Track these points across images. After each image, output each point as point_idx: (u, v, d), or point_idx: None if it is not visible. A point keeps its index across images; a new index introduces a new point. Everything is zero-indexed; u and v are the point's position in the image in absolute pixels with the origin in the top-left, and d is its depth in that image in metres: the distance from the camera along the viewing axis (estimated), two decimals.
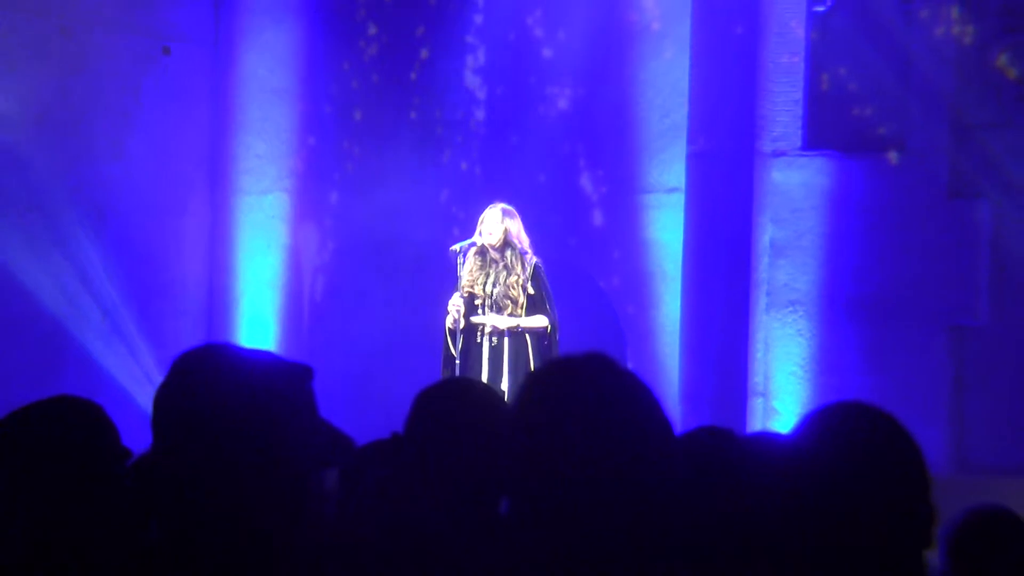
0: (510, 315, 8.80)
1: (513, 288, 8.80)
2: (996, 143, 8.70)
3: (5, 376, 9.62)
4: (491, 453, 2.91)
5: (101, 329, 10.36)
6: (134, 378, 10.31)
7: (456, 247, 8.96)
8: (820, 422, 2.61)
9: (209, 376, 2.12)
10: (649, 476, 1.70)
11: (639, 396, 1.71)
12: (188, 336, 10.59)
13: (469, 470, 2.85)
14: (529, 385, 1.74)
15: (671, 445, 1.74)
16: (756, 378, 9.09)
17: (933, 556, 2.68)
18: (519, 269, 8.82)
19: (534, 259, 8.91)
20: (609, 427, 1.66)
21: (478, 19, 10.60)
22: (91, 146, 10.23)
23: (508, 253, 8.84)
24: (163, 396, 2.13)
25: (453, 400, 3.08)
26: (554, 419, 1.66)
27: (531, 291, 8.83)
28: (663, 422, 1.74)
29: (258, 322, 10.86)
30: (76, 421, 2.78)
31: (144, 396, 9.95)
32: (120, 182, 10.42)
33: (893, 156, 8.85)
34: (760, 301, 9.10)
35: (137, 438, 3.41)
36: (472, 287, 8.85)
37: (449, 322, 8.86)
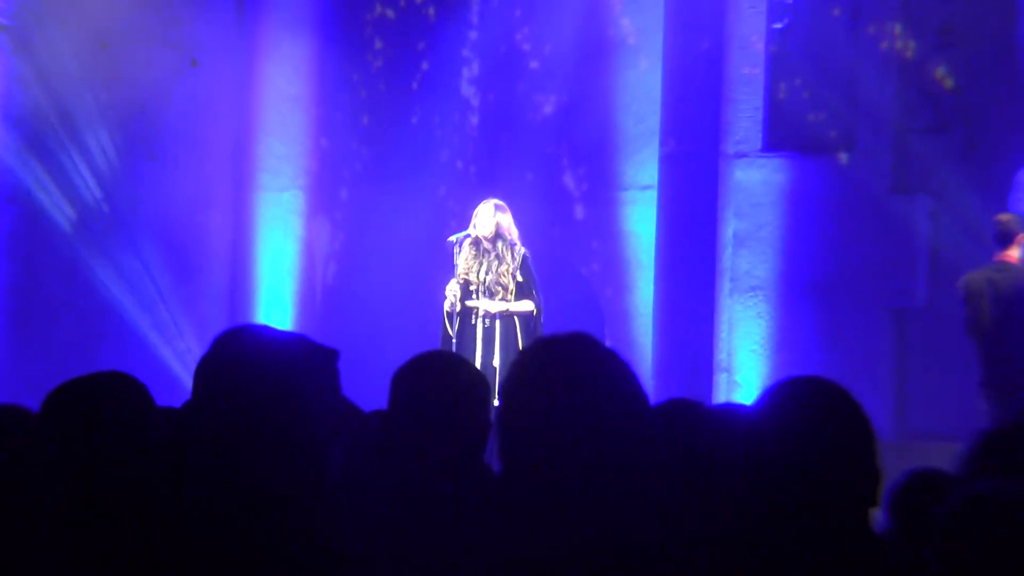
0: (501, 300, 8.80)
1: (504, 276, 8.79)
2: (933, 146, 8.71)
3: (52, 350, 9.63)
4: (466, 418, 2.91)
5: (136, 309, 10.37)
6: (165, 352, 10.31)
7: (453, 238, 8.95)
8: (779, 394, 2.61)
9: (248, 351, 2.12)
10: (627, 441, 1.70)
11: (618, 371, 1.71)
12: (214, 316, 10.59)
13: (445, 433, 2.85)
14: (519, 362, 1.74)
15: (647, 414, 1.74)
16: (721, 355, 9.10)
17: (878, 512, 2.69)
18: (509, 259, 8.82)
19: (522, 249, 8.90)
20: (591, 398, 1.66)
21: (472, 35, 10.59)
22: (128, 147, 10.22)
23: (499, 244, 8.83)
24: (205, 366, 2.13)
25: (424, 373, 3.06)
26: (542, 392, 1.66)
27: (519, 278, 8.82)
28: (639, 394, 1.74)
29: (276, 304, 10.85)
30: (118, 393, 2.77)
31: (175, 367, 9.96)
32: (153, 179, 10.41)
33: (843, 156, 8.86)
34: (724, 286, 9.10)
35: (168, 402, 3.42)
36: (467, 274, 8.84)
37: (447, 306, 8.86)
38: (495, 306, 8.75)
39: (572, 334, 1.74)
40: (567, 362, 1.72)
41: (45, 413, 2.75)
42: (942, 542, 2.30)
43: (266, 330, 2.19)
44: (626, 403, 1.73)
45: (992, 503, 2.31)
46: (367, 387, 4.22)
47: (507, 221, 8.90)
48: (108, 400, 2.73)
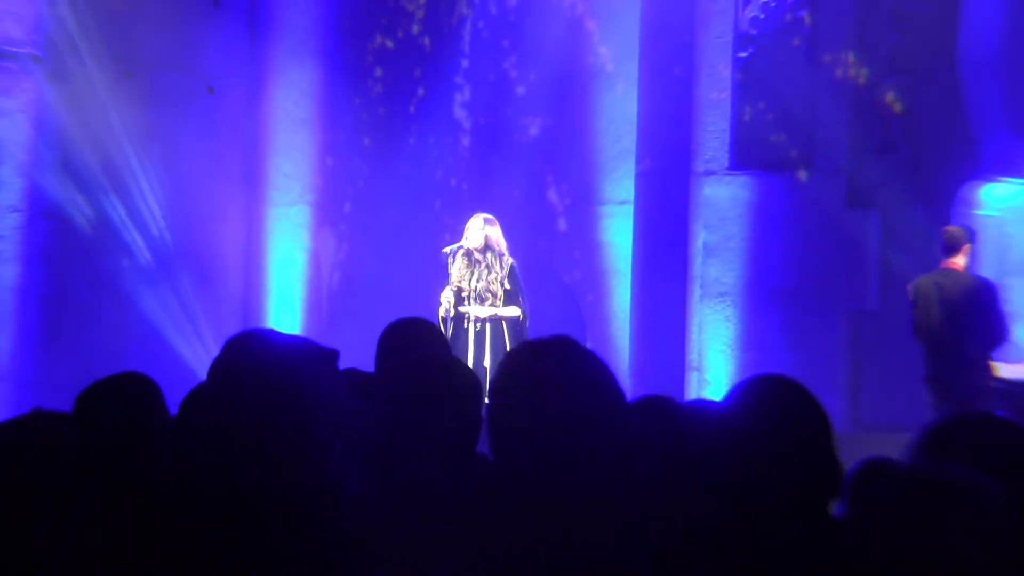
0: (490, 305, 8.81)
1: (493, 284, 8.80)
2: (883, 164, 8.73)
3: (81, 353, 9.62)
4: (459, 413, 2.89)
5: (157, 313, 10.38)
6: (186, 352, 10.31)
7: (447, 249, 8.97)
8: (745, 391, 2.62)
9: (256, 353, 2.12)
10: (606, 434, 1.70)
11: (596, 370, 1.70)
12: (228, 320, 10.59)
13: (440, 427, 2.83)
14: (507, 362, 1.74)
15: (623, 409, 1.73)
16: (692, 355, 9.10)
17: (837, 499, 2.69)
18: (498, 268, 8.83)
19: (510, 260, 8.91)
20: (572, 395, 1.66)
21: (464, 63, 10.60)
22: (150, 165, 10.22)
23: (489, 255, 8.85)
24: (218, 366, 2.13)
25: (421, 373, 3.03)
26: (527, 389, 1.66)
27: (507, 286, 8.83)
28: (616, 391, 1.74)
29: (286, 309, 10.85)
30: (139, 391, 2.77)
31: (192, 364, 9.95)
32: (173, 194, 10.41)
33: (802, 174, 8.86)
34: (695, 292, 9.10)
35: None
36: (460, 282, 8.86)
37: (441, 311, 8.87)
38: (485, 311, 8.77)
39: (555, 337, 1.74)
40: (550, 362, 1.71)
41: (77, 410, 2.75)
42: (885, 520, 2.31)
43: (273, 334, 2.20)
44: (604, 399, 1.73)
45: (927, 483, 2.32)
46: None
47: (496, 233, 8.91)
48: (131, 397, 2.73)
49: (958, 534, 2.22)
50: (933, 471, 2.35)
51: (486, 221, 8.91)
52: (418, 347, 3.48)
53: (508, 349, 8.57)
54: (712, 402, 2.71)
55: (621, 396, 1.82)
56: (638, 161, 9.62)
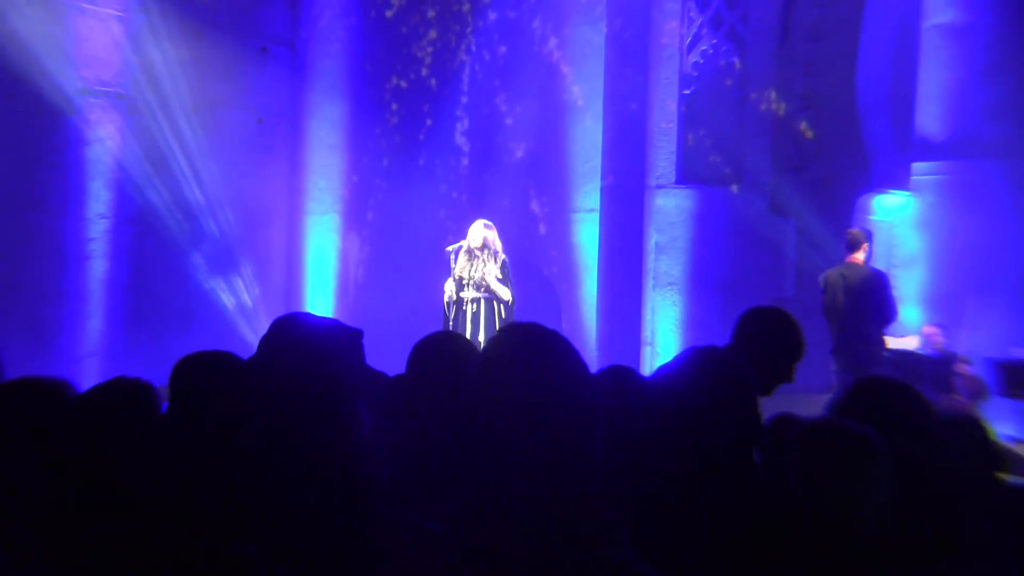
0: (485, 291, 8.81)
1: (488, 276, 8.79)
2: (798, 180, 8.74)
3: (157, 333, 9.62)
4: (465, 385, 2.87)
5: (218, 298, 10.39)
6: (240, 329, 10.32)
7: (450, 248, 8.95)
8: (685, 359, 2.62)
9: (296, 330, 2.11)
10: (575, 400, 1.69)
11: (564, 348, 1.70)
12: (274, 304, 10.60)
13: (450, 397, 2.82)
14: (494, 342, 1.74)
15: (589, 379, 1.73)
16: (646, 333, 9.12)
17: (756, 447, 2.70)
18: (492, 263, 8.82)
19: (502, 257, 8.90)
20: (546, 368, 1.66)
21: (464, 99, 10.58)
22: (211, 182, 10.24)
23: (485, 252, 8.83)
24: (266, 341, 2.13)
25: (435, 348, 3.03)
26: (510, 363, 1.66)
27: (499, 276, 8.83)
28: (582, 364, 1.74)
29: (320, 297, 10.84)
30: (222, 362, 2.73)
31: (247, 339, 9.95)
32: (229, 205, 10.42)
33: (734, 187, 8.88)
34: (649, 283, 9.12)
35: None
36: (461, 273, 8.85)
37: (445, 297, 8.86)
38: (488, 277, 8.72)
39: (529, 323, 1.73)
40: (528, 342, 1.71)
41: (174, 378, 2.71)
42: (792, 462, 2.33)
43: (310, 316, 2.19)
44: (573, 371, 1.73)
45: (826, 430, 2.35)
46: (388, 358, 4.22)
47: (492, 236, 8.91)
48: (215, 367, 2.71)
49: (849, 473, 2.24)
50: (828, 423, 2.36)
51: (485, 225, 8.91)
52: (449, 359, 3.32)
53: (496, 328, 8.59)
54: (662, 370, 2.70)
55: (585, 368, 1.82)
56: (603, 177, 9.63)
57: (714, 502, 2.34)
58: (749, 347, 3.52)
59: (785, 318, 3.62)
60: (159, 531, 1.99)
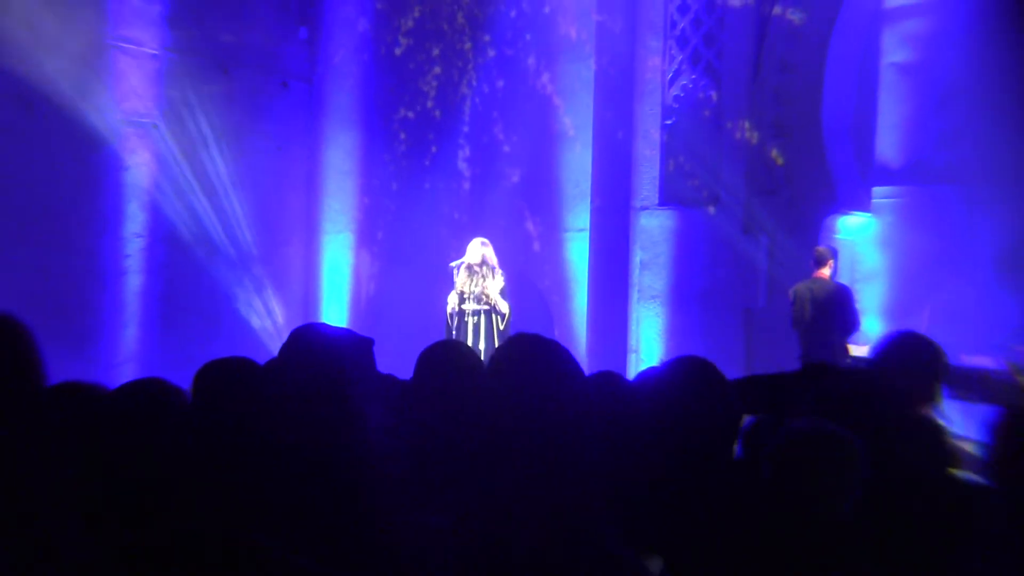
0: (484, 304, 8.79)
1: (490, 289, 8.78)
2: (769, 202, 8.74)
3: (184, 341, 9.59)
4: (469, 389, 2.84)
5: (242, 310, 10.35)
6: (262, 338, 10.28)
7: (453, 264, 8.95)
8: (669, 367, 2.60)
9: (313, 339, 2.10)
10: (571, 402, 1.68)
11: (562, 355, 1.69)
12: (293, 315, 10.59)
13: (455, 400, 2.79)
14: (503, 350, 1.72)
15: (582, 383, 1.72)
16: (632, 342, 9.11)
17: (735, 446, 2.67)
18: (491, 278, 8.81)
19: (500, 272, 8.90)
20: (545, 374, 1.65)
21: (465, 129, 10.58)
22: (236, 205, 10.23)
23: (484, 268, 8.83)
24: (283, 350, 2.11)
25: (440, 355, 3.00)
26: (512, 372, 1.65)
27: (497, 290, 8.82)
28: (577, 369, 1.72)
29: (335, 308, 10.82)
30: (243, 369, 2.69)
31: (269, 346, 9.92)
32: (252, 225, 10.42)
33: (711, 209, 8.88)
34: (634, 296, 9.11)
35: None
36: (462, 288, 8.84)
37: (448, 309, 8.85)
38: (492, 291, 8.72)
39: (533, 334, 1.72)
40: (528, 351, 1.70)
41: (197, 382, 2.68)
42: (772, 461, 2.31)
43: (325, 327, 2.17)
44: (569, 376, 1.71)
45: (801, 434, 2.32)
46: (396, 364, 4.20)
47: (489, 252, 8.91)
48: (234, 372, 2.67)
49: (829, 472, 2.22)
50: (803, 425, 2.34)
51: (482, 243, 8.92)
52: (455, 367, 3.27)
53: (495, 337, 8.58)
54: (647, 374, 2.69)
55: (580, 372, 1.80)
56: (592, 200, 9.62)
57: (696, 499, 2.32)
58: (901, 370, 3.35)
59: (930, 344, 3.41)
60: (180, 518, 1.96)
